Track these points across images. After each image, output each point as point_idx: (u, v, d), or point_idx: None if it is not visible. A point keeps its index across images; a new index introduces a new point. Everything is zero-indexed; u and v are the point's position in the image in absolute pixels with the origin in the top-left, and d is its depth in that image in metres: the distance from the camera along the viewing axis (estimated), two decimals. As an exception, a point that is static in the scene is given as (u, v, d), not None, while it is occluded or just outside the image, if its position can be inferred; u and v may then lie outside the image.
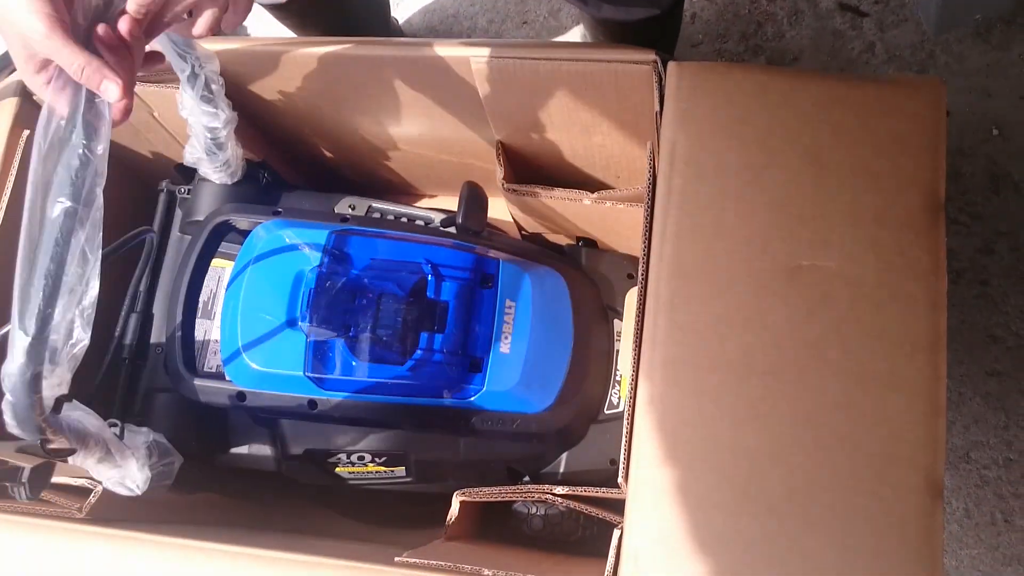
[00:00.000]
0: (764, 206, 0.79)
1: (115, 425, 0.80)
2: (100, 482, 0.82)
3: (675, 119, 0.82)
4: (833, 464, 0.72)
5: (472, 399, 0.92)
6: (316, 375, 0.91)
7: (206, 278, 1.00)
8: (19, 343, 0.59)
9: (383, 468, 1.00)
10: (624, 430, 0.77)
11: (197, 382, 0.94)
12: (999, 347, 1.32)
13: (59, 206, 0.59)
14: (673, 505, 0.73)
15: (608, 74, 0.86)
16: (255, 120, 1.05)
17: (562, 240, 1.12)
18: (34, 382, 0.60)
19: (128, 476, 0.79)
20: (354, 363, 0.92)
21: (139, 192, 1.12)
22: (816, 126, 0.80)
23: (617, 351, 1.05)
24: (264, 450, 1.01)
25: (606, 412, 1.03)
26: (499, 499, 0.89)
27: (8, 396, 0.60)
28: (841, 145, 0.79)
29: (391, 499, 1.08)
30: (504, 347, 0.94)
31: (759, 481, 0.72)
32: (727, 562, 0.71)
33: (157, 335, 1.04)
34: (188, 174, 1.07)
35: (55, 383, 0.63)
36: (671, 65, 0.83)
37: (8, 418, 0.61)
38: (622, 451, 0.77)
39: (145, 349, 1.03)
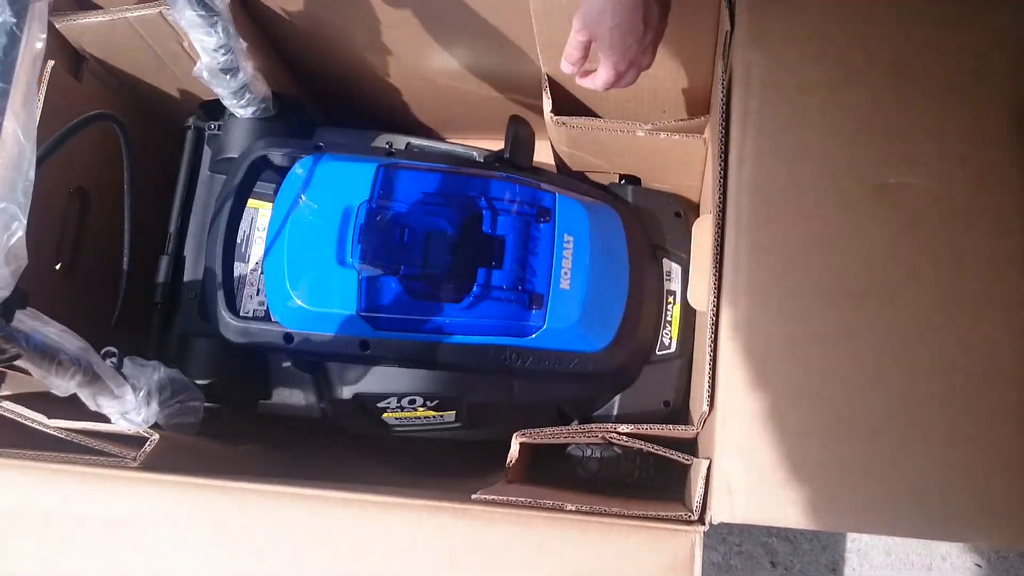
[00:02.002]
0: (847, 124, 0.76)
1: (112, 355, 0.74)
2: (149, 434, 0.78)
3: (750, 38, 0.79)
4: (931, 385, 0.70)
5: (532, 336, 0.89)
6: (369, 314, 0.87)
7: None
8: None
9: (433, 412, 0.96)
10: (707, 359, 0.74)
11: (240, 324, 0.90)
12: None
13: None
14: (765, 432, 0.70)
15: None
16: (282, 51, 1.01)
17: (604, 180, 1.09)
18: None
19: (129, 407, 0.75)
20: (408, 301, 0.88)
21: (162, 134, 1.06)
22: (898, 41, 0.78)
23: (667, 291, 1.02)
24: (307, 396, 0.97)
25: (658, 353, 1.00)
26: (560, 440, 0.87)
27: None
28: (924, 60, 0.77)
29: (437, 447, 1.04)
30: (564, 283, 0.90)
31: (854, 404, 0.70)
32: (825, 488, 0.69)
33: (189, 281, 0.99)
34: (215, 111, 1.03)
35: None
36: (743, -18, 0.80)
37: None
38: (705, 380, 0.74)
39: (177, 293, 0.98)
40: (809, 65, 0.78)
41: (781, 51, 0.78)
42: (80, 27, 0.91)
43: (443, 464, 1.07)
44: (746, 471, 0.70)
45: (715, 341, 0.74)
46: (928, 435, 0.69)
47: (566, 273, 0.91)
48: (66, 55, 0.94)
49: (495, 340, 0.89)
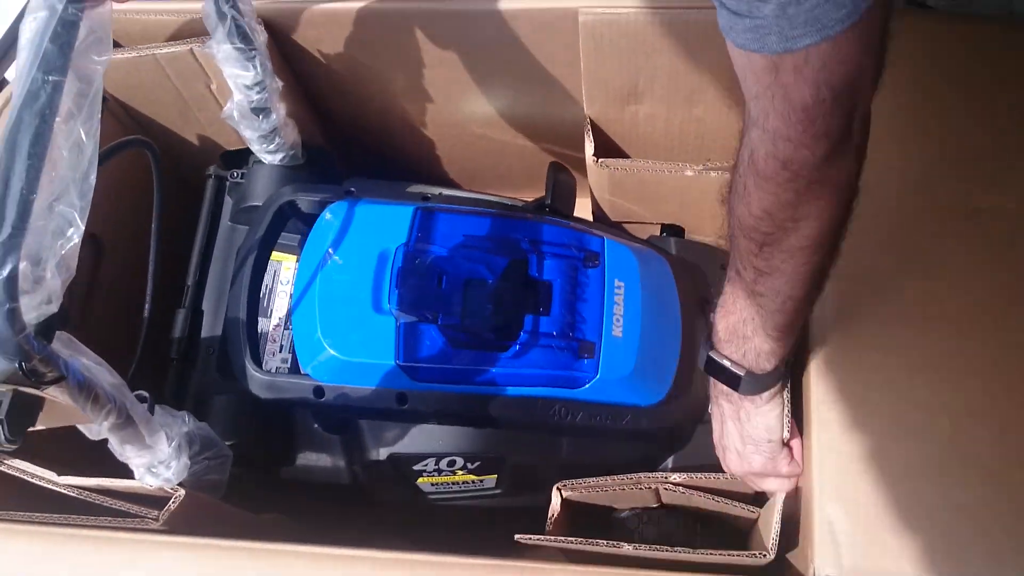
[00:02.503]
0: (930, 147, 0.72)
1: (144, 399, 0.66)
2: (175, 490, 0.70)
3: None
4: (1047, 418, 0.64)
5: (583, 388, 0.82)
6: (409, 363, 0.80)
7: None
8: None
9: (472, 476, 0.88)
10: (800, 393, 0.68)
11: (267, 378, 0.82)
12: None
13: (41, 76, 0.48)
14: (868, 474, 0.63)
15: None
16: (311, 97, 0.96)
17: (644, 233, 1.04)
18: (9, 285, 0.46)
19: (158, 459, 0.66)
20: (450, 350, 0.81)
21: (178, 183, 1.01)
22: (968, 64, 0.74)
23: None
24: (335, 460, 0.89)
25: (711, 411, 0.93)
26: (605, 491, 0.79)
27: None
28: (1002, 82, 0.73)
29: (475, 516, 0.96)
30: (616, 330, 0.84)
31: (965, 442, 0.63)
32: (941, 536, 0.61)
33: (208, 336, 0.92)
34: (237, 160, 0.98)
35: (41, 299, 0.49)
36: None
37: None
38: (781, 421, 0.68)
39: (194, 349, 0.91)
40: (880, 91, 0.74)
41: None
42: (103, 64, 0.87)
43: (480, 534, 0.98)
44: (850, 518, 0.63)
45: (802, 375, 0.68)
46: (1050, 475, 0.62)
47: (618, 320, 0.85)
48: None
49: (544, 392, 0.82)
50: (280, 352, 0.90)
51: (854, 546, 0.62)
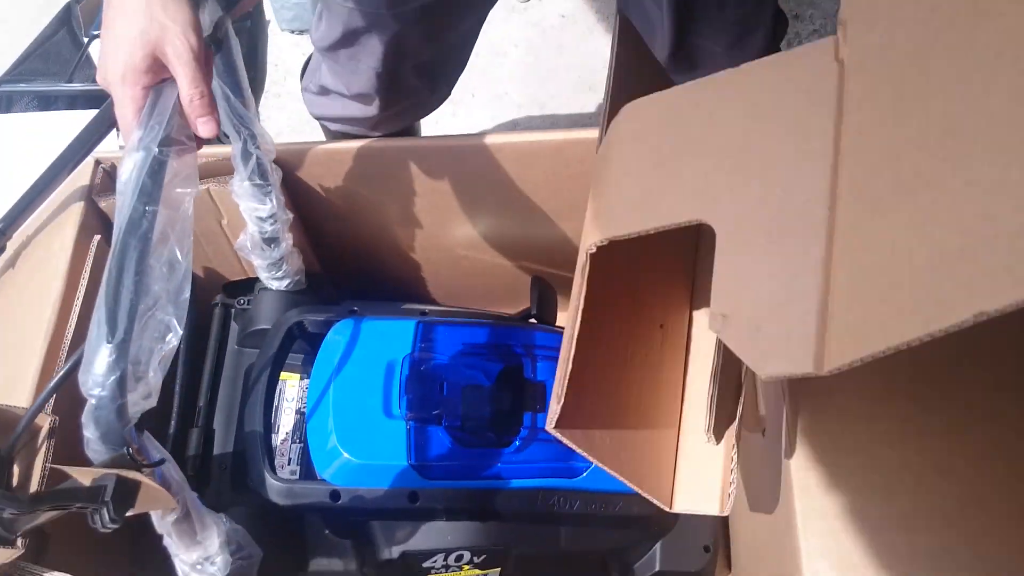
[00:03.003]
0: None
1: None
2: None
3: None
4: (995, 472, 0.73)
5: (580, 477, 0.90)
6: (419, 463, 0.87)
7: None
8: (102, 344, 0.52)
9: (477, 571, 0.94)
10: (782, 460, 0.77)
11: (285, 485, 0.88)
12: None
13: (141, 206, 0.56)
14: (848, 529, 0.72)
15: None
16: (309, 227, 1.06)
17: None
18: (120, 384, 0.53)
19: (207, 555, 0.72)
20: (457, 449, 0.88)
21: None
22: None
23: (692, 437, 1.05)
24: (347, 564, 0.93)
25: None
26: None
27: (91, 401, 0.53)
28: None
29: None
30: (605, 425, 0.92)
31: (929, 495, 0.72)
32: (915, 577, 0.69)
33: (220, 455, 0.97)
34: (240, 289, 1.05)
35: (142, 394, 0.56)
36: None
37: (90, 429, 0.53)
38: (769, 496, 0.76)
39: (208, 465, 0.96)
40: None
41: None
42: (125, 204, 0.95)
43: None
44: (832, 567, 0.70)
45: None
46: (1004, 522, 0.71)
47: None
48: (109, 231, 0.97)
49: (544, 483, 0.89)
50: (289, 464, 0.95)
51: (842, 595, 0.70)
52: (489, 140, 0.94)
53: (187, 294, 0.57)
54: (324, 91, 1.08)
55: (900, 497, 0.72)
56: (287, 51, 1.60)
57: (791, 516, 0.74)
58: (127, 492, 0.53)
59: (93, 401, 0.52)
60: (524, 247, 1.08)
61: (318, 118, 1.14)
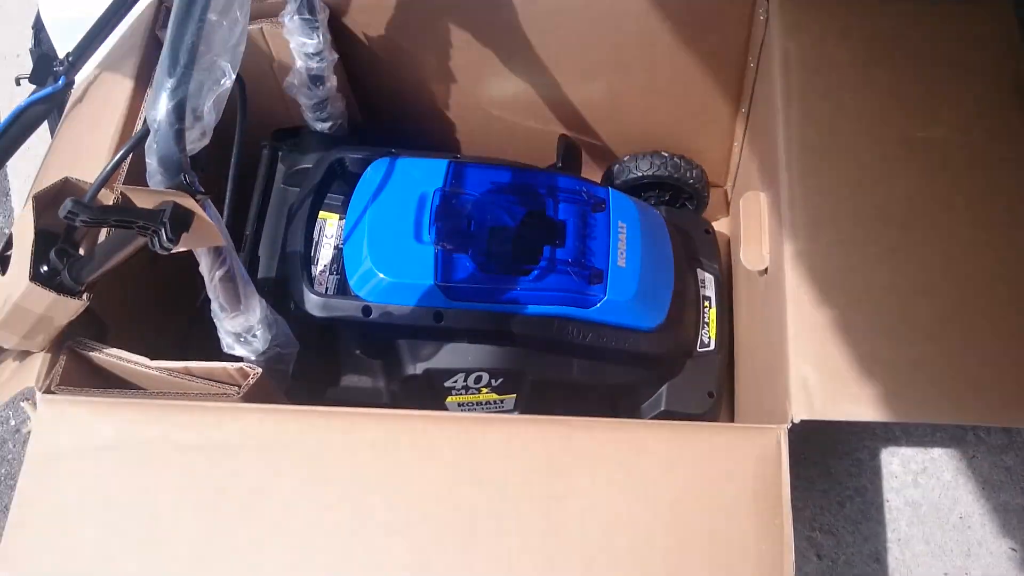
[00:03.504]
0: (876, 92, 0.88)
1: None
2: (252, 368, 0.83)
3: (785, 30, 0.92)
4: (975, 292, 0.79)
5: (594, 308, 0.96)
6: (445, 283, 0.94)
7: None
8: (164, 77, 0.59)
9: (495, 396, 1.01)
10: (779, 282, 0.83)
11: (322, 299, 0.96)
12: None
13: None
14: (835, 338, 0.78)
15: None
16: (353, 76, 1.12)
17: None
18: (179, 110, 0.59)
19: (249, 325, 0.79)
20: (480, 274, 0.95)
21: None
22: (911, 29, 0.92)
23: (704, 296, 1.11)
24: (375, 382, 1.02)
25: (699, 349, 1.08)
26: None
27: (153, 128, 0.59)
28: (935, 44, 0.91)
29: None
30: (621, 261, 0.99)
31: (912, 311, 0.78)
32: (893, 383, 0.75)
33: (263, 274, 1.05)
34: (288, 135, 1.12)
35: (199, 133, 0.62)
36: (775, -11, 0.95)
37: (152, 156, 0.60)
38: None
39: (253, 287, 1.04)
40: (839, 49, 0.91)
41: (814, 40, 0.91)
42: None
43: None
44: (820, 374, 0.77)
45: (779, 269, 0.82)
46: (979, 335, 0.77)
47: (622, 253, 0.99)
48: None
49: (560, 310, 0.96)
50: (326, 293, 1.03)
51: (824, 395, 0.76)
52: (525, -8, 1.00)
53: (243, 47, 0.64)
54: None
55: (885, 313, 0.79)
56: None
57: (783, 328, 0.80)
58: (182, 216, 0.61)
59: (155, 127, 0.59)
60: (553, 107, 1.14)
61: None
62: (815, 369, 0.77)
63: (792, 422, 0.76)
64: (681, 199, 1.22)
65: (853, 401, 0.75)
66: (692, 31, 1.02)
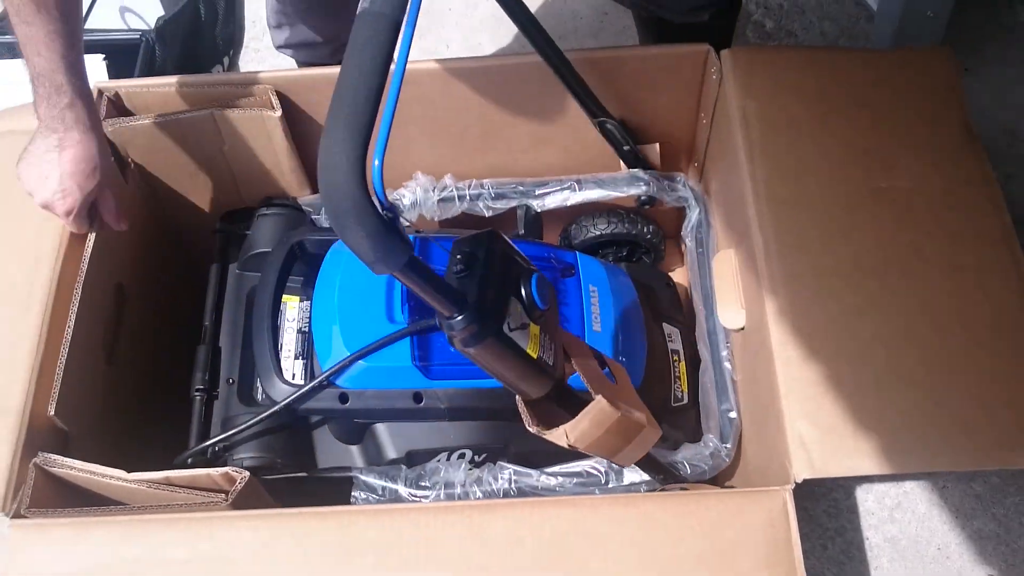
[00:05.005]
0: (836, 144, 0.91)
1: None
2: (239, 472, 0.79)
3: (740, 89, 0.94)
4: (954, 338, 0.81)
5: (575, 373, 0.95)
6: (423, 363, 0.91)
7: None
8: None
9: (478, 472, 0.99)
10: (764, 340, 0.83)
11: (294, 389, 0.92)
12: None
13: None
14: (826, 393, 0.79)
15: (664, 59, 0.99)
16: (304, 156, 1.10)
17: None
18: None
19: None
20: (457, 350, 0.93)
21: (188, 240, 1.12)
22: (862, 84, 0.94)
23: (672, 350, 1.11)
24: (355, 465, 0.99)
25: (673, 404, 1.07)
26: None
27: None
28: (885, 96, 0.93)
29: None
30: (596, 326, 0.98)
31: (897, 360, 0.80)
32: (889, 435, 0.76)
33: (226, 370, 1.01)
34: (239, 218, 1.09)
35: None
36: (727, 51, 0.96)
37: None
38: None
39: (215, 380, 1.00)
40: (794, 105, 0.93)
41: (770, 97, 0.93)
42: (130, 130, 0.98)
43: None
44: (816, 430, 0.77)
45: (765, 325, 0.83)
46: (963, 379, 0.79)
47: (596, 318, 0.99)
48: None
49: (540, 381, 0.94)
50: (294, 379, 0.99)
51: (823, 451, 0.76)
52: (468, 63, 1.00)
53: None
54: (279, 23, 1.15)
55: (872, 363, 0.80)
56: (263, 8, 1.64)
57: (774, 387, 0.80)
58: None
59: None
60: (508, 174, 1.13)
61: (279, 47, 1.21)
62: (811, 425, 0.77)
63: (795, 482, 0.76)
64: (638, 253, 1.22)
65: (852, 455, 0.76)
66: (646, 92, 1.03)
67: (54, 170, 0.83)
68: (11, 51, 1.36)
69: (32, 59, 0.80)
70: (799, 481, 0.76)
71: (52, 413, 0.82)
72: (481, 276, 0.65)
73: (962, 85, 0.94)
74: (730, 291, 0.93)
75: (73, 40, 0.81)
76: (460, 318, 0.63)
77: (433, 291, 0.63)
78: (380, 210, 0.53)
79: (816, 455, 0.76)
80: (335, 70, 1.02)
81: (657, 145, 1.09)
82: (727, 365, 0.97)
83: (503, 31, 1.64)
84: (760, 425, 0.86)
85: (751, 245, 0.87)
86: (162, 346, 1.07)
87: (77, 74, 0.83)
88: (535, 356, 0.68)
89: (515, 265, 0.69)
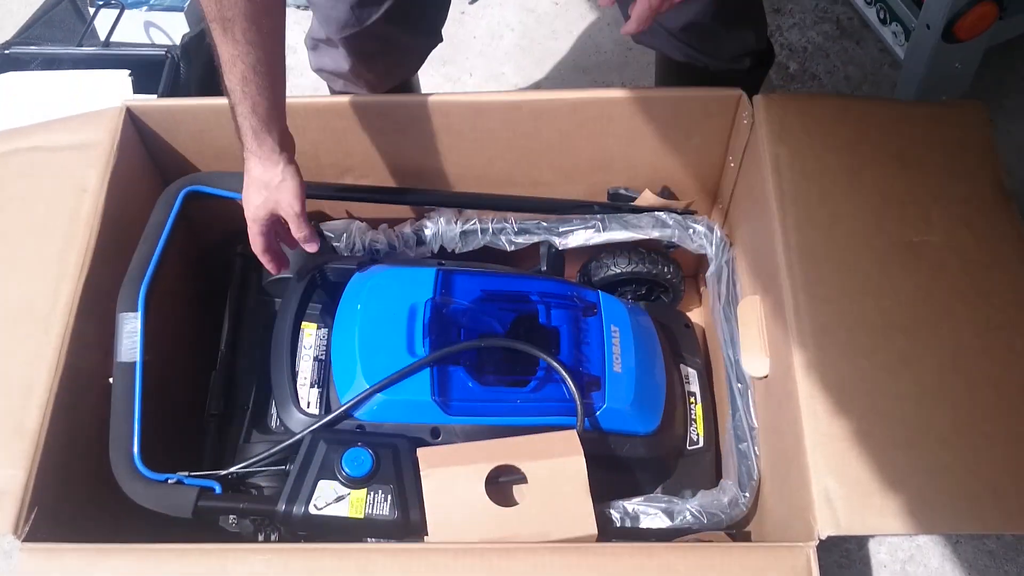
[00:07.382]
0: (868, 197, 0.90)
1: None
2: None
3: (772, 135, 0.94)
4: (985, 399, 0.80)
5: (594, 414, 0.94)
6: (442, 399, 0.91)
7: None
8: None
9: (493, 508, 0.98)
10: (790, 392, 0.82)
11: (313, 420, 0.91)
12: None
13: None
14: (853, 449, 0.77)
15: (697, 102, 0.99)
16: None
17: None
18: None
19: None
20: (477, 387, 0.93)
21: (207, 259, 1.11)
22: (894, 136, 0.94)
23: (689, 392, 1.10)
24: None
25: (689, 448, 1.06)
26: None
27: None
28: (919, 148, 0.93)
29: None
30: (616, 367, 0.97)
31: (926, 419, 0.79)
32: (916, 494, 0.75)
33: (242, 392, 1.00)
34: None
35: None
36: (761, 97, 0.96)
37: None
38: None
39: (231, 406, 0.99)
40: (827, 154, 0.93)
41: (803, 146, 0.93)
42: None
43: None
44: (841, 486, 0.76)
45: (793, 379, 0.82)
46: (992, 442, 0.78)
47: (617, 358, 0.98)
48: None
49: (559, 420, 0.93)
50: (309, 408, 0.98)
51: (848, 508, 0.75)
52: (504, 97, 0.99)
53: None
54: (315, 44, 1.14)
55: (900, 421, 0.79)
56: (290, 28, 1.65)
57: (800, 440, 0.79)
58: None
59: None
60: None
61: (317, 71, 1.20)
62: (837, 481, 0.76)
63: (819, 539, 0.75)
64: (657, 292, 1.22)
65: (877, 514, 0.75)
66: (677, 133, 1.03)
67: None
68: (21, 64, 1.37)
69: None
70: (823, 538, 0.75)
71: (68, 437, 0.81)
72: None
73: (994, 141, 0.94)
74: (755, 338, 0.92)
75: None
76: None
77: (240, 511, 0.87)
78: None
79: (842, 512, 0.75)
80: (364, 98, 1.04)
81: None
82: (748, 412, 0.96)
83: (527, 61, 1.65)
84: (782, 476, 0.85)
85: (779, 294, 0.86)
86: (179, 367, 1.06)
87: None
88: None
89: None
